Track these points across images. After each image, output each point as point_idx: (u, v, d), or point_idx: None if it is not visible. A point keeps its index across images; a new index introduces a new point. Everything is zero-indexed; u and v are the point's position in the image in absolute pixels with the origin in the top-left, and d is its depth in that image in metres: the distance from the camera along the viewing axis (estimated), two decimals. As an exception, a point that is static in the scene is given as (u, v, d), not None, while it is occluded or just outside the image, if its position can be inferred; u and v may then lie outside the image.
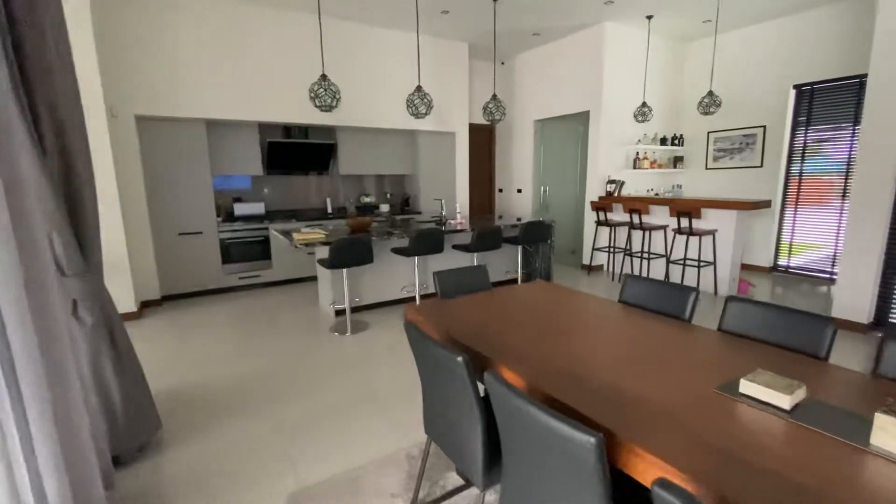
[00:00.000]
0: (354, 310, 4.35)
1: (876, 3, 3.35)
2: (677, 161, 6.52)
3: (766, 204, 4.47)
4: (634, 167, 6.07)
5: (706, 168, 6.34)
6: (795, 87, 5.33)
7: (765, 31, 5.47)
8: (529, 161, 6.81)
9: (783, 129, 5.46)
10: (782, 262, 5.73)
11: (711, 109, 4.87)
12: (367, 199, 6.28)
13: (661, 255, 5.22)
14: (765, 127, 5.62)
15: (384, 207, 6.23)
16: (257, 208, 5.36)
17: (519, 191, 7.10)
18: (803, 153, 5.41)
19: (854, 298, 3.67)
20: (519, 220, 4.96)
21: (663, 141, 6.24)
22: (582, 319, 1.92)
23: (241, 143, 5.15)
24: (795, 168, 5.49)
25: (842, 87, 4.98)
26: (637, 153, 6.09)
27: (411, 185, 6.48)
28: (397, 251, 4.12)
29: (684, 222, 4.76)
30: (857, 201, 3.60)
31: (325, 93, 3.83)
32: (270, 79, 4.90)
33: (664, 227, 5.08)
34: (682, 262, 4.93)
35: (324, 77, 3.83)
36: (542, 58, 6.35)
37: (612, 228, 5.72)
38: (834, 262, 5.23)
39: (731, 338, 1.68)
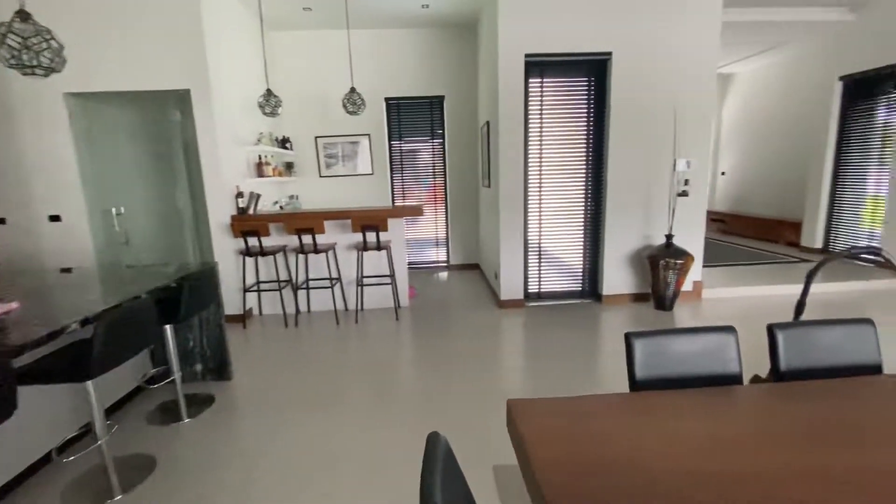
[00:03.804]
0: None
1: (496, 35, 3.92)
2: (290, 167, 5.62)
3: (420, 211, 4.52)
4: (259, 174, 4.67)
5: (320, 176, 5.84)
6: (386, 99, 5.72)
7: (363, 37, 5.46)
8: (70, 165, 3.81)
9: (383, 139, 5.78)
10: (400, 260, 6.24)
11: (350, 108, 4.35)
12: None
13: (335, 279, 4.31)
14: (370, 135, 5.75)
15: None
16: None
17: (54, 218, 3.89)
18: (401, 161, 5.97)
19: (512, 282, 4.36)
20: (181, 279, 2.60)
21: (283, 143, 5.16)
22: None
23: None
24: (397, 175, 6.00)
25: (422, 104, 5.79)
26: (260, 157, 4.71)
27: None
28: None
29: (370, 237, 4.08)
30: (505, 207, 4.21)
31: None
32: None
33: (332, 246, 4.19)
34: (359, 283, 4.26)
35: None
36: (67, -19, 3.56)
37: (272, 257, 4.20)
38: (438, 252, 6.21)
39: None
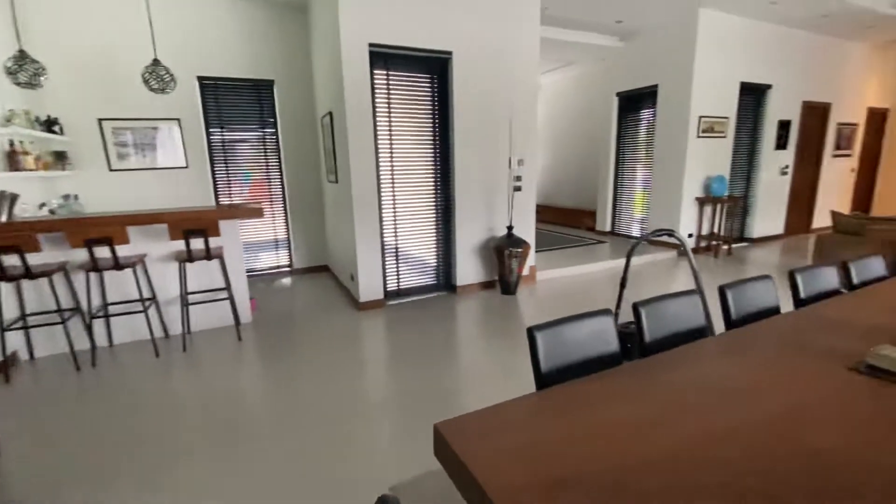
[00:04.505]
0: None
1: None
2: (61, 158, 4.25)
3: (259, 212, 3.92)
4: (13, 167, 3.39)
5: (111, 170, 4.58)
6: (200, 79, 4.81)
7: (161, -1, 4.42)
8: None
9: (200, 125, 4.86)
10: (232, 268, 5.39)
11: (156, 85, 3.49)
12: None
13: (149, 300, 3.43)
14: (180, 120, 4.76)
15: None
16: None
17: None
18: (225, 153, 5.12)
19: (371, 282, 4.17)
20: None
21: (49, 125, 3.83)
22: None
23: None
24: (221, 169, 5.13)
25: (247, 88, 5.04)
26: (12, 143, 3.40)
27: None
28: None
29: (196, 244, 3.34)
30: (359, 204, 3.97)
31: None
32: None
33: (141, 259, 3.31)
34: (184, 301, 3.49)
35: None
36: None
37: (47, 279, 3.06)
38: (278, 255, 5.56)
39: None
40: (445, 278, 4.66)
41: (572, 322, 1.52)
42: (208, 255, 3.31)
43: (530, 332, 1.44)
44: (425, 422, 2.37)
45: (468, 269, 4.61)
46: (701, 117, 5.85)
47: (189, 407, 2.58)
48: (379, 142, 4.05)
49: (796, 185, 7.28)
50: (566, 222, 8.61)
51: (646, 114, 6.64)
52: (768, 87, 6.45)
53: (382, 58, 3.93)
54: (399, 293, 4.44)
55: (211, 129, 4.99)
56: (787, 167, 7.05)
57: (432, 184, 4.39)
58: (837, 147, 7.59)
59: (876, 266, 2.39)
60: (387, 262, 4.30)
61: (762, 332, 1.63)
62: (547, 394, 1.26)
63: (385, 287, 4.31)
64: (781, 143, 6.87)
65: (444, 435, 1.06)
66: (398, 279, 4.41)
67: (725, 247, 6.37)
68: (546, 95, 9.35)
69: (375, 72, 3.93)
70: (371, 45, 3.79)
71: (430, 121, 4.27)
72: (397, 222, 4.29)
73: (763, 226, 7.06)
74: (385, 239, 4.24)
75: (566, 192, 9.06)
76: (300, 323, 3.90)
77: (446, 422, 1.11)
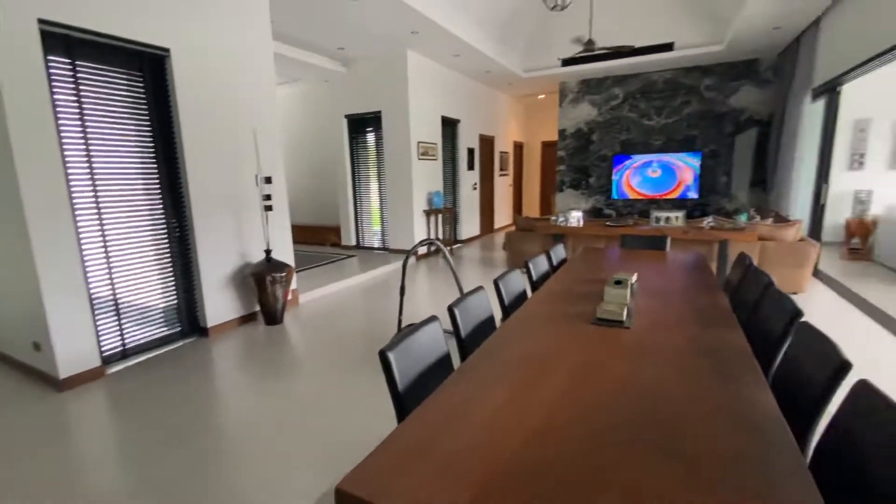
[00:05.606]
0: None
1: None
2: None
3: None
4: None
5: None
6: None
7: None
8: None
9: None
10: None
11: None
12: None
13: None
14: None
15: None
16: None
17: None
18: None
19: (77, 346, 3.00)
20: None
21: None
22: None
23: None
24: None
25: None
26: None
27: None
28: None
29: None
30: (41, 236, 2.79)
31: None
32: None
33: None
34: None
35: None
36: None
37: None
38: None
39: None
40: (191, 321, 3.84)
41: (413, 335, 1.58)
42: None
43: (383, 355, 1.42)
44: None
45: (221, 305, 3.95)
46: (419, 142, 6.88)
47: None
48: (68, 153, 2.97)
49: (482, 196, 9.52)
50: (310, 239, 8.47)
51: (374, 136, 7.29)
52: (458, 121, 8.18)
53: (64, 42, 2.90)
54: (126, 353, 3.37)
55: None
56: (476, 184, 9.12)
57: (160, 206, 3.53)
58: (501, 169, 10.34)
59: (561, 251, 3.45)
60: (100, 315, 3.19)
61: (530, 312, 2.12)
62: (420, 413, 1.26)
63: (101, 349, 3.19)
64: (471, 165, 8.83)
65: (353, 493, 0.93)
66: (122, 334, 3.34)
67: (448, 248, 7.69)
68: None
69: (53, 58, 2.87)
70: (43, 21, 2.74)
71: (149, 130, 3.43)
72: (111, 259, 3.25)
73: (467, 229, 8.90)
74: (93, 283, 3.14)
75: (306, 208, 8.91)
76: (-59, 438, 2.43)
77: (347, 478, 0.98)
